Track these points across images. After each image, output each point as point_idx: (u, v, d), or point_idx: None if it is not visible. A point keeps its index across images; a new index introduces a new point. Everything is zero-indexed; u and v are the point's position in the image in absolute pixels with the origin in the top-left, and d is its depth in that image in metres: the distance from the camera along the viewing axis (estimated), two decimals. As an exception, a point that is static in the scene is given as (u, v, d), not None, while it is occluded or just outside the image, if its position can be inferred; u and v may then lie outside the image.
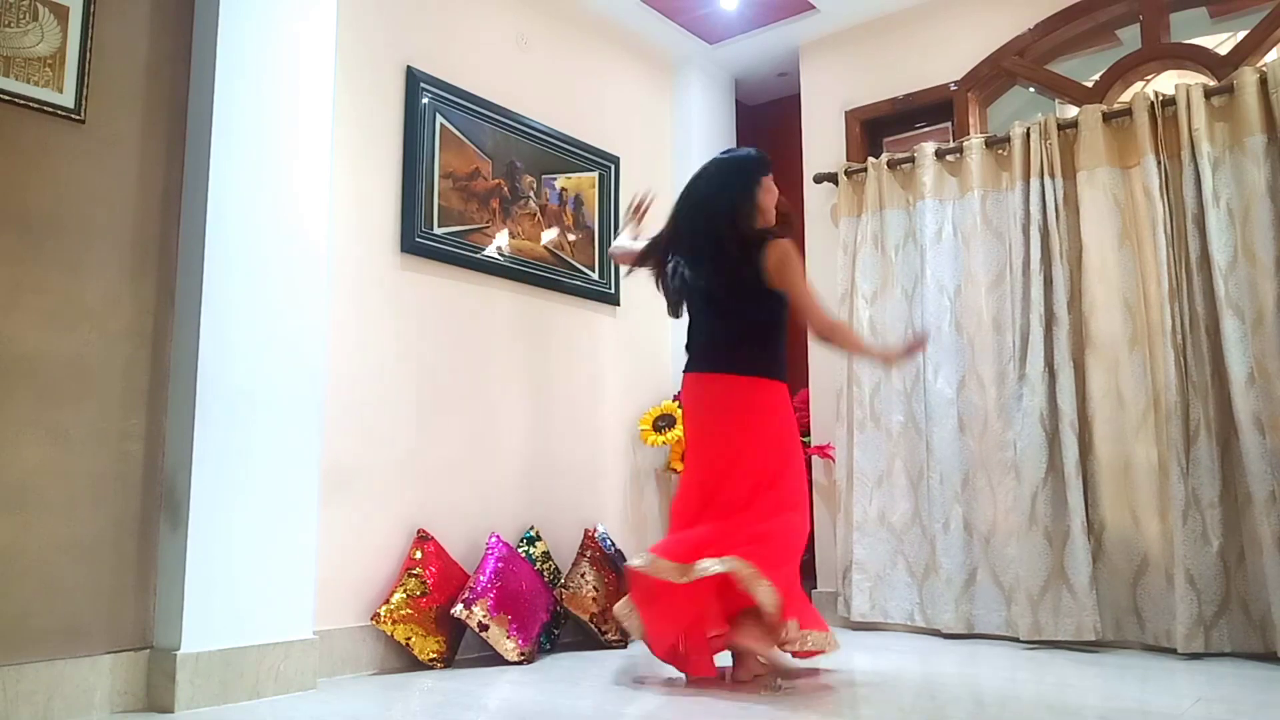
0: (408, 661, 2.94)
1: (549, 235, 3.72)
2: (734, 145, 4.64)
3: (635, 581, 2.65)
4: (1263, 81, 3.15)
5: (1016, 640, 3.34)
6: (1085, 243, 3.43)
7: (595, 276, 3.90)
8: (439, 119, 3.33)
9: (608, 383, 3.90)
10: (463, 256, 3.36)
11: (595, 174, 3.96)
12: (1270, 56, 3.34)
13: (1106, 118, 3.44)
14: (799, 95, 4.40)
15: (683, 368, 2.86)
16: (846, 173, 4.03)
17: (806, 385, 4.18)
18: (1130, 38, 3.70)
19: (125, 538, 2.42)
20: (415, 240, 3.20)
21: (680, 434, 3.78)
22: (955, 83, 3.93)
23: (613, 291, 3.95)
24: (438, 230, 3.28)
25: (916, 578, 3.63)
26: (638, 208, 3.19)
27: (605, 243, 3.95)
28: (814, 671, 2.79)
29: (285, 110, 2.71)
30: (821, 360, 4.08)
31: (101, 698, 2.31)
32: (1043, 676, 2.77)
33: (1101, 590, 3.24)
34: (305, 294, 2.71)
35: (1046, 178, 3.49)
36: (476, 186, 3.46)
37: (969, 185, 3.70)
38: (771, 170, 2.90)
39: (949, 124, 4.01)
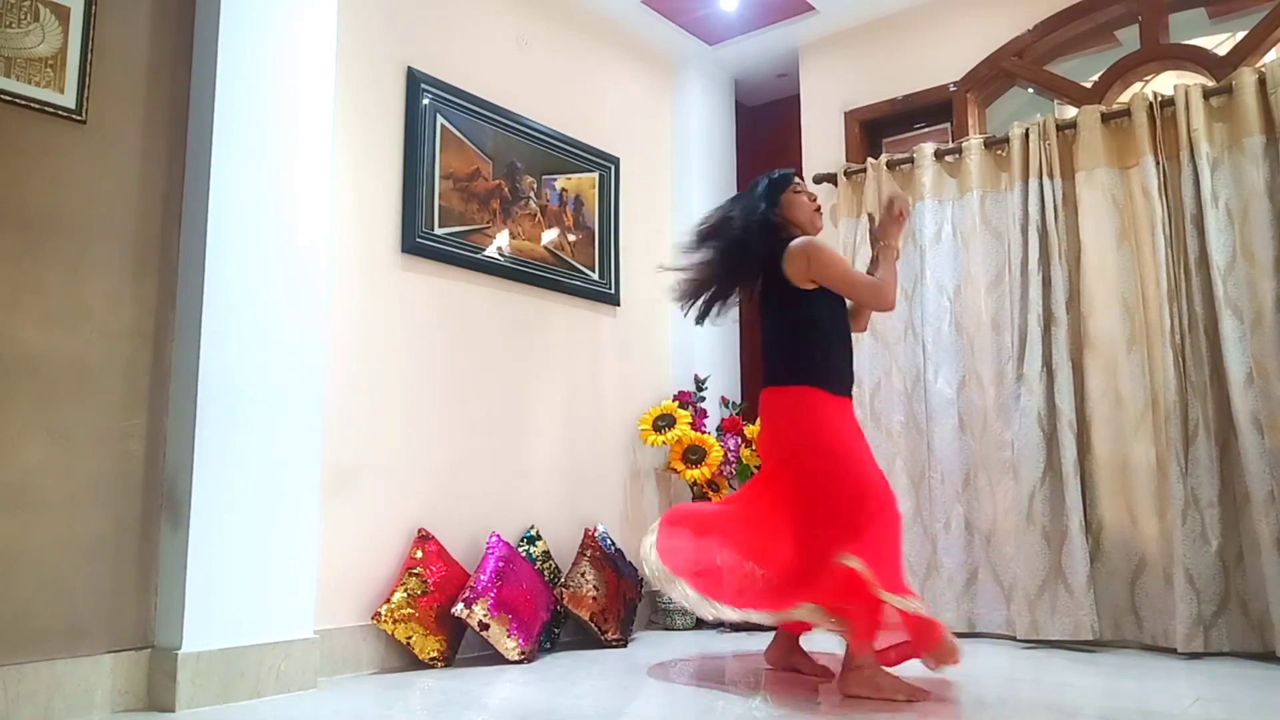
0: (408, 661, 2.94)
1: (549, 236, 3.73)
2: (734, 146, 4.65)
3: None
4: (1261, 82, 3.16)
5: (1015, 639, 3.34)
6: (1084, 243, 3.44)
7: (595, 277, 3.90)
8: (439, 119, 3.34)
9: (608, 383, 3.90)
10: (463, 257, 3.36)
11: (595, 174, 3.97)
12: (1269, 57, 3.34)
13: (1105, 118, 3.44)
14: (798, 96, 4.41)
15: None
16: (846, 173, 4.03)
17: (806, 385, 4.18)
18: (1129, 38, 3.70)
19: (126, 537, 2.42)
20: (416, 240, 3.21)
21: (680, 434, 3.78)
22: (954, 83, 3.94)
23: (613, 292, 3.95)
24: (438, 231, 3.29)
25: (917, 577, 3.63)
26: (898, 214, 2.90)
27: (605, 243, 3.96)
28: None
29: (286, 111, 2.72)
30: (821, 360, 4.08)
31: (102, 697, 2.32)
32: (1042, 676, 2.78)
33: (1100, 590, 3.24)
34: (306, 294, 2.71)
35: (1045, 178, 3.50)
36: (477, 187, 3.46)
37: (968, 186, 3.70)
38: (792, 182, 2.88)
39: (948, 125, 4.01)
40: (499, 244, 3.51)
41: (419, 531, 3.06)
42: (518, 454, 3.50)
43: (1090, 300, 3.39)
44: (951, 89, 3.95)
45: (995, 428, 3.52)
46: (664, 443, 3.80)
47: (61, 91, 2.39)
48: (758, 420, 3.98)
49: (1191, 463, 3.11)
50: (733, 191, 4.57)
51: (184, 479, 2.44)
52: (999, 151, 3.69)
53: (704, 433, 3.86)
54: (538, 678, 2.79)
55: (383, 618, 2.86)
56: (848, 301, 2.83)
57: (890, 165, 3.92)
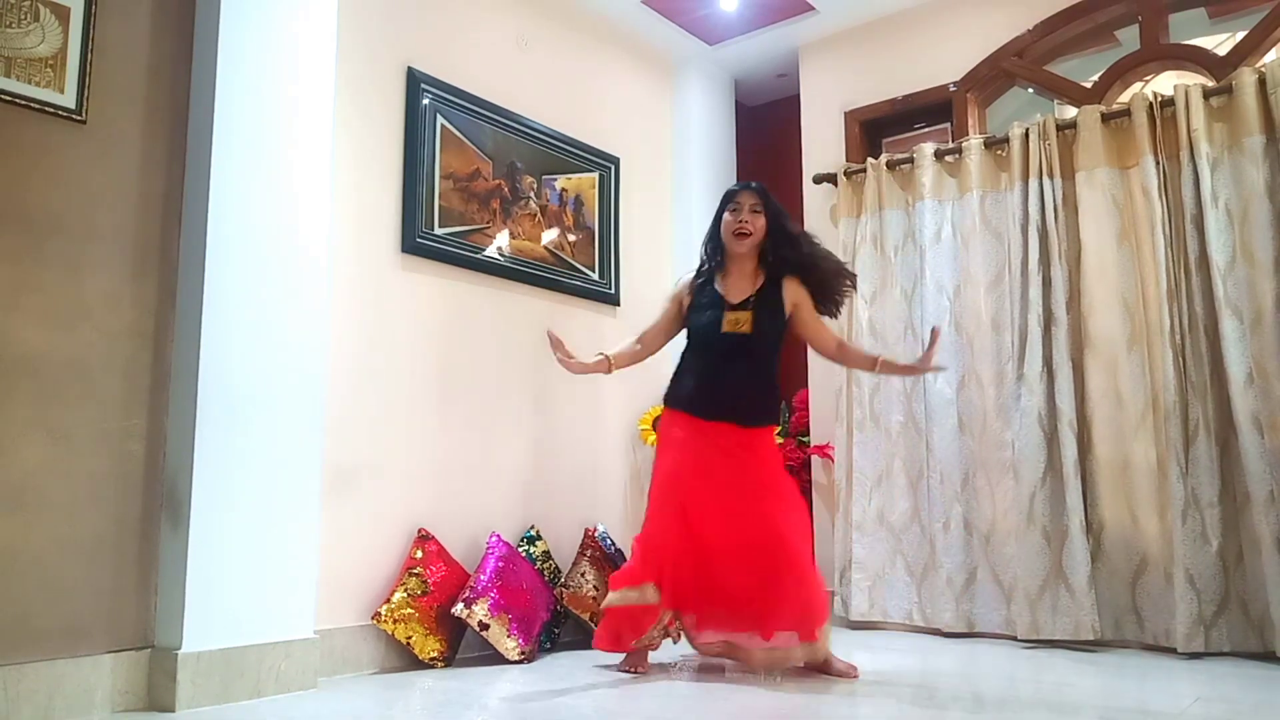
0: (408, 661, 2.94)
1: (549, 236, 3.73)
2: (734, 146, 4.65)
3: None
4: (1261, 82, 3.16)
5: (1015, 639, 3.34)
6: (1084, 243, 3.44)
7: (595, 277, 3.90)
8: (440, 119, 3.34)
9: (608, 383, 3.90)
10: (463, 257, 3.36)
11: (595, 174, 3.97)
12: (1269, 57, 3.34)
13: (1105, 118, 3.44)
14: (798, 96, 4.41)
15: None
16: (846, 173, 4.03)
17: (805, 385, 4.18)
18: (1129, 38, 3.70)
19: (126, 537, 2.42)
20: (416, 241, 3.21)
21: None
22: (954, 83, 3.94)
23: (613, 292, 3.95)
24: (438, 231, 3.29)
25: (916, 577, 3.63)
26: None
27: (605, 243, 3.96)
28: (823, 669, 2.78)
29: (286, 111, 2.72)
30: (821, 360, 4.08)
31: (102, 697, 2.32)
32: (1042, 676, 2.78)
33: (1100, 590, 3.24)
34: (306, 294, 2.71)
35: (1045, 178, 3.50)
36: (477, 187, 3.46)
37: (968, 186, 3.70)
38: (731, 199, 2.94)
39: (948, 125, 4.01)
40: (499, 244, 3.51)
41: (419, 531, 3.06)
42: (518, 454, 3.50)
43: (1090, 300, 3.39)
44: (951, 89, 3.95)
45: (995, 428, 3.52)
46: (664, 443, 3.79)
47: (61, 91, 2.39)
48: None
49: (1192, 463, 3.11)
50: (733, 191, 4.58)
51: (184, 479, 2.44)
52: (999, 151, 3.69)
53: (704, 433, 3.86)
54: (538, 678, 2.79)
55: (383, 618, 2.86)
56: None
57: (890, 165, 3.92)
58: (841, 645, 3.33)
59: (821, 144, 4.26)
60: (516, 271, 3.56)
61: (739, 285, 2.90)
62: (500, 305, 3.51)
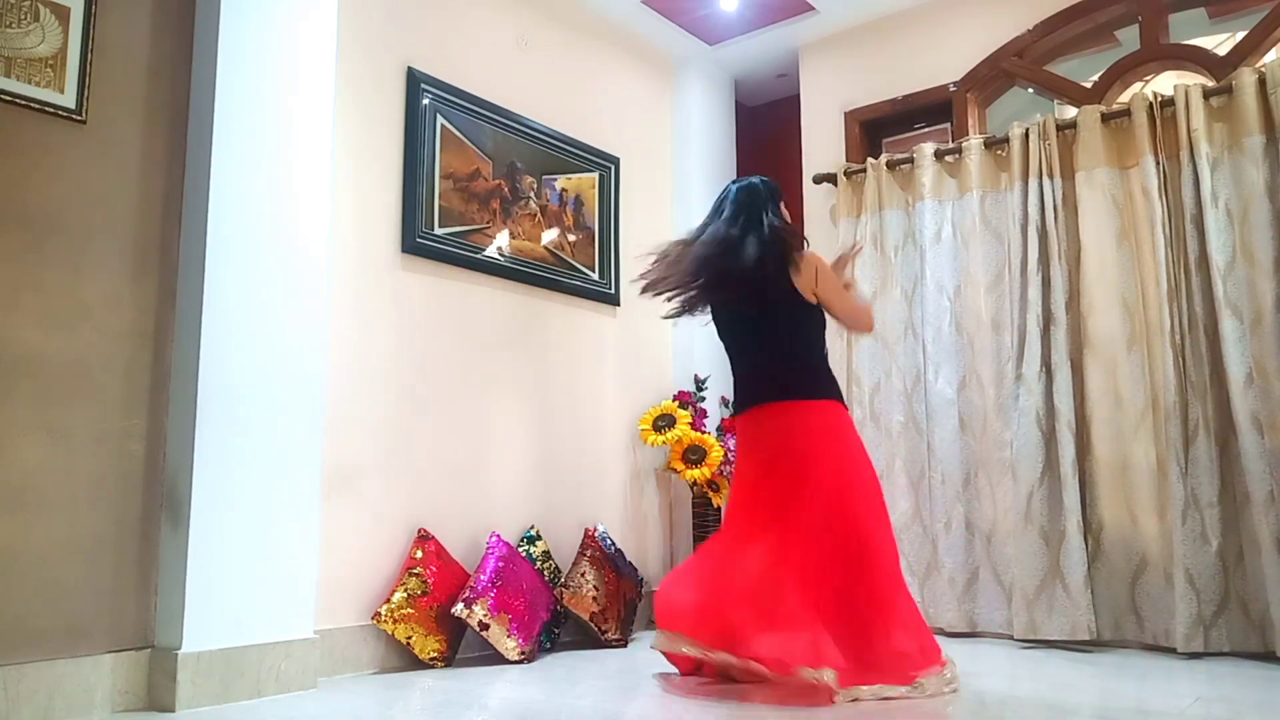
0: (408, 661, 2.94)
1: (549, 236, 3.73)
2: (734, 146, 4.65)
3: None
4: (1261, 82, 3.16)
5: (1015, 639, 3.34)
6: (1084, 243, 3.44)
7: (595, 277, 3.90)
8: (440, 119, 3.34)
9: (608, 383, 3.90)
10: (463, 257, 3.36)
11: (595, 174, 3.97)
12: (1269, 57, 3.34)
13: (1105, 118, 3.44)
14: (798, 96, 4.41)
15: None
16: (846, 173, 4.03)
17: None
18: (1129, 38, 3.70)
19: (126, 537, 2.42)
20: (416, 241, 3.21)
21: (680, 434, 3.78)
22: (954, 83, 3.94)
23: (613, 292, 3.95)
24: (438, 231, 3.29)
25: (917, 576, 3.63)
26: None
27: (605, 243, 3.96)
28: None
29: (286, 111, 2.72)
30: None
31: (102, 697, 2.32)
32: (1042, 676, 2.78)
33: (1100, 590, 3.24)
34: (306, 294, 2.71)
35: (1045, 178, 3.49)
36: (477, 187, 3.46)
37: (968, 186, 3.70)
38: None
39: (948, 125, 4.01)
40: (499, 244, 3.51)
41: (419, 531, 3.06)
42: (517, 454, 3.50)
43: (1090, 300, 3.39)
44: (951, 89, 3.95)
45: (995, 428, 3.52)
46: (664, 443, 3.80)
47: (61, 91, 2.39)
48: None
49: (1191, 463, 3.11)
50: (733, 191, 4.57)
51: (184, 479, 2.44)
52: (999, 151, 3.69)
53: (704, 433, 3.87)
54: (538, 678, 2.79)
55: (383, 618, 2.86)
56: None
57: (890, 165, 3.92)
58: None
59: (821, 144, 4.26)
60: (516, 271, 3.56)
61: None
62: (500, 305, 3.51)
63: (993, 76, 3.89)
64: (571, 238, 3.83)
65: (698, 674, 2.68)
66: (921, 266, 3.74)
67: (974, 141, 3.71)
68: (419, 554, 3.00)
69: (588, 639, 3.37)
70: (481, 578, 3.01)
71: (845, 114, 4.22)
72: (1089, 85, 3.67)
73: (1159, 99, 3.32)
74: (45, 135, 2.37)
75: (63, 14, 2.41)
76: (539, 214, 3.70)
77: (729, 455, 3.85)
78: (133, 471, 2.45)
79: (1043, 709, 2.34)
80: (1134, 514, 3.25)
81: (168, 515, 2.47)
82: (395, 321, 3.15)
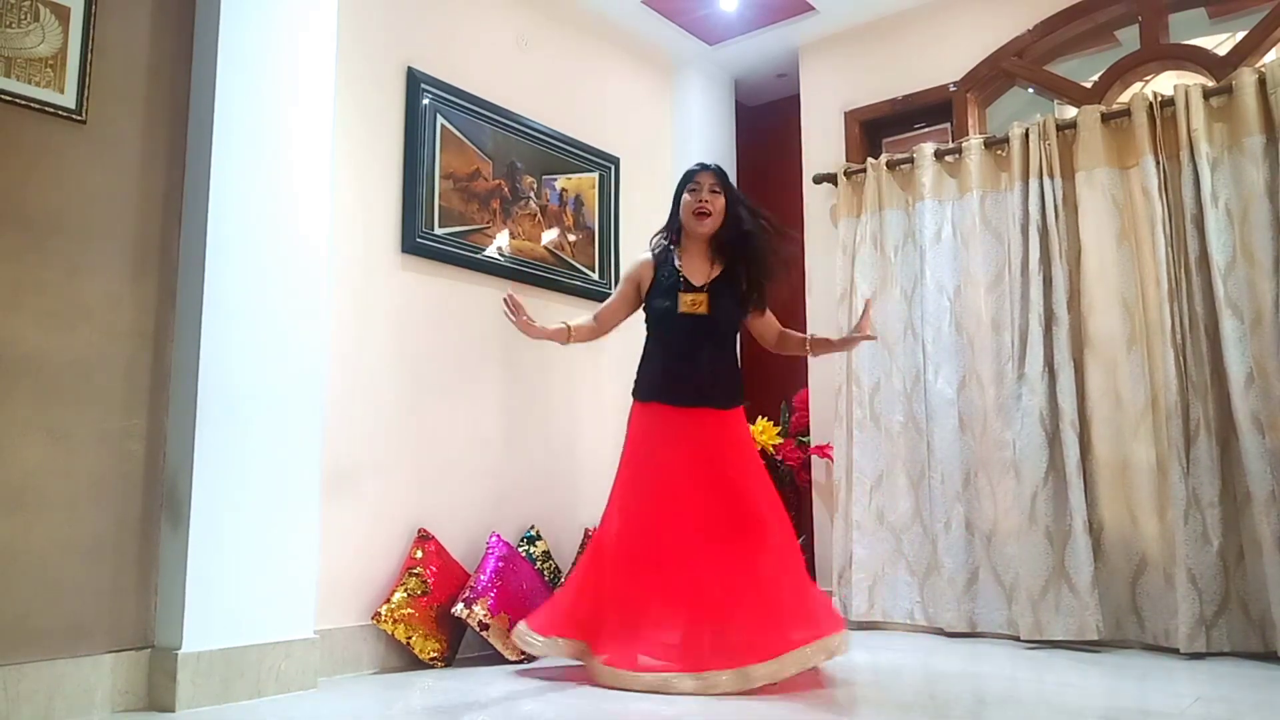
0: (408, 661, 2.94)
1: (549, 236, 3.73)
2: (734, 146, 4.65)
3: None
4: (1261, 82, 3.16)
5: (1017, 639, 3.34)
6: (1084, 243, 3.44)
7: (595, 277, 3.90)
8: (440, 120, 3.34)
9: (608, 382, 3.90)
10: (463, 257, 3.36)
11: (595, 174, 3.97)
12: (1269, 57, 3.34)
13: (1105, 118, 3.44)
14: (798, 96, 4.41)
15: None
16: (846, 173, 4.03)
17: (805, 385, 4.18)
18: (1129, 38, 3.70)
19: (126, 537, 2.42)
20: (416, 241, 3.21)
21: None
22: (954, 83, 3.94)
23: (612, 291, 3.94)
24: (438, 231, 3.29)
25: (917, 577, 3.63)
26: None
27: (605, 243, 3.96)
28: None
29: (286, 111, 2.72)
30: (821, 360, 4.08)
31: (103, 697, 2.32)
32: (1043, 676, 2.78)
33: (1101, 590, 3.24)
34: (306, 294, 2.71)
35: (1045, 178, 3.50)
36: (477, 187, 3.46)
37: (968, 186, 3.70)
38: (690, 179, 2.93)
39: (948, 125, 4.01)
40: (499, 244, 3.51)
41: (419, 531, 3.06)
42: (518, 454, 3.50)
43: (1090, 300, 3.39)
44: (951, 89, 3.95)
45: (995, 428, 3.52)
46: (664, 443, 3.79)
47: (61, 91, 2.39)
48: (758, 421, 3.97)
49: (1193, 462, 3.11)
50: (733, 191, 4.58)
51: (184, 479, 2.44)
52: (999, 151, 3.69)
53: (704, 433, 3.86)
54: (538, 678, 2.79)
55: (383, 618, 2.86)
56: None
57: (890, 165, 3.92)
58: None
59: (821, 144, 4.26)
60: (516, 271, 3.56)
61: (698, 267, 2.89)
62: (500, 305, 3.49)
63: (993, 76, 3.89)
64: (571, 238, 3.83)
65: None
66: (921, 266, 3.74)
67: (974, 141, 3.71)
68: (419, 554, 3.00)
69: (588, 639, 3.36)
70: (481, 578, 3.01)
71: (845, 114, 4.23)
72: (1089, 85, 3.67)
73: (1159, 99, 3.32)
74: (45, 135, 2.37)
75: (63, 14, 2.41)
76: (539, 214, 3.70)
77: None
78: (133, 471, 2.45)
79: (1045, 709, 2.34)
80: (1134, 514, 3.25)
81: (168, 515, 2.47)
82: (395, 321, 3.15)
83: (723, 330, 2.87)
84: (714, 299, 2.83)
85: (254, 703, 2.41)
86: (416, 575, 2.95)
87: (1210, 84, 3.29)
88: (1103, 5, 3.66)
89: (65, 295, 2.37)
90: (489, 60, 3.59)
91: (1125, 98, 3.59)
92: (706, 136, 4.48)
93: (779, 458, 4.06)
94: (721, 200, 2.87)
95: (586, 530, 3.50)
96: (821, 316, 4.11)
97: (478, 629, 2.94)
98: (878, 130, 4.25)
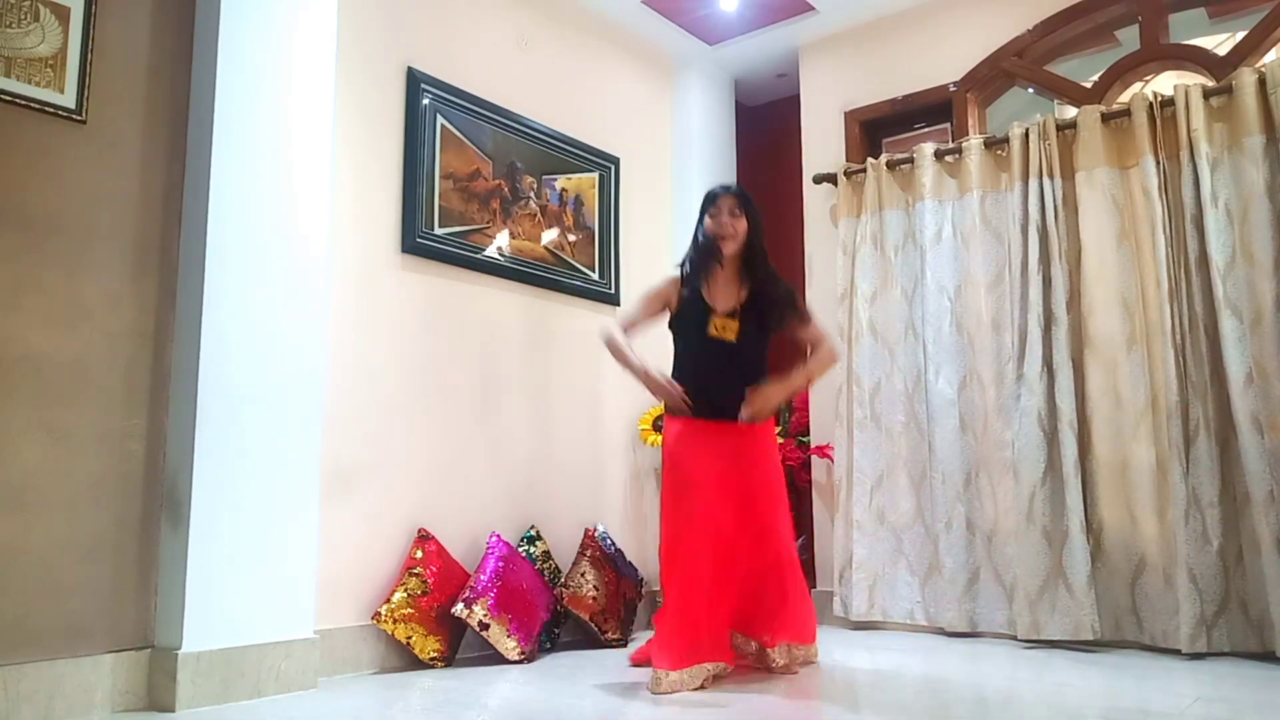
0: (408, 661, 2.94)
1: (549, 236, 3.73)
2: (734, 146, 4.65)
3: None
4: (1261, 82, 3.16)
5: (1017, 639, 3.34)
6: (1084, 243, 3.44)
7: (595, 277, 3.90)
8: (440, 119, 3.34)
9: (608, 382, 3.90)
10: (463, 257, 3.36)
11: (595, 174, 3.97)
12: (1269, 57, 3.34)
13: (1105, 118, 3.44)
14: (798, 96, 4.41)
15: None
16: (846, 173, 4.03)
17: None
18: (1129, 38, 3.70)
19: (126, 537, 2.42)
20: (416, 240, 3.21)
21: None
22: (954, 83, 3.94)
23: (613, 291, 3.95)
24: (438, 231, 3.29)
25: (918, 576, 3.63)
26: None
27: (605, 243, 3.96)
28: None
29: (286, 111, 2.72)
30: (821, 360, 4.08)
31: (102, 697, 2.32)
32: (1044, 676, 2.78)
33: (1100, 590, 3.24)
34: (306, 294, 2.71)
35: (1045, 178, 3.49)
36: (477, 187, 3.46)
37: (968, 186, 3.70)
38: (711, 202, 2.93)
39: (948, 125, 4.01)
40: (499, 244, 3.51)
41: (419, 531, 3.06)
42: (518, 454, 3.50)
43: (1090, 300, 3.39)
44: (951, 89, 3.95)
45: (996, 428, 3.52)
46: (664, 443, 3.79)
47: (61, 91, 2.39)
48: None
49: (1192, 462, 3.11)
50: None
51: (184, 479, 2.44)
52: (999, 151, 3.69)
53: (704, 433, 3.86)
54: (538, 678, 2.79)
55: (383, 618, 2.86)
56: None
57: (890, 165, 3.92)
58: (841, 645, 3.34)
59: (821, 144, 4.26)
60: (516, 271, 3.56)
61: (725, 291, 2.87)
62: (500, 305, 3.51)
63: (993, 76, 3.89)
64: (571, 238, 3.83)
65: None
66: (922, 267, 3.74)
67: (974, 141, 3.71)
68: (419, 554, 3.00)
69: (588, 639, 3.37)
70: (481, 578, 3.01)
71: (845, 114, 4.22)
72: (1089, 85, 3.67)
73: (1159, 99, 3.32)
74: (45, 135, 2.37)
75: (63, 14, 2.41)
76: (539, 214, 3.70)
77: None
78: (133, 471, 2.45)
79: (1045, 709, 2.34)
80: (1134, 514, 3.25)
81: (168, 515, 2.47)
82: (395, 321, 3.15)
83: (748, 356, 2.84)
84: (743, 325, 2.82)
85: (254, 703, 2.42)
86: (416, 575, 2.95)
87: (1210, 84, 3.29)
88: (1103, 5, 3.66)
89: (65, 295, 2.37)
90: (489, 60, 3.59)
91: (1125, 98, 3.58)
92: (706, 136, 4.48)
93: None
94: (743, 223, 2.85)
95: (586, 530, 3.50)
96: (822, 316, 4.10)
97: (478, 629, 2.94)
98: (878, 130, 4.25)
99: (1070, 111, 3.68)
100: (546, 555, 3.40)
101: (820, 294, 4.13)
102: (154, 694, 2.37)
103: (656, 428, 3.82)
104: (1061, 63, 3.86)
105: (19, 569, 2.23)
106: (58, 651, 2.27)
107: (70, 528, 2.32)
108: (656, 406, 3.93)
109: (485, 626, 2.94)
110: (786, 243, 4.45)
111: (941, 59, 3.98)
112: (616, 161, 4.05)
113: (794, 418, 4.18)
